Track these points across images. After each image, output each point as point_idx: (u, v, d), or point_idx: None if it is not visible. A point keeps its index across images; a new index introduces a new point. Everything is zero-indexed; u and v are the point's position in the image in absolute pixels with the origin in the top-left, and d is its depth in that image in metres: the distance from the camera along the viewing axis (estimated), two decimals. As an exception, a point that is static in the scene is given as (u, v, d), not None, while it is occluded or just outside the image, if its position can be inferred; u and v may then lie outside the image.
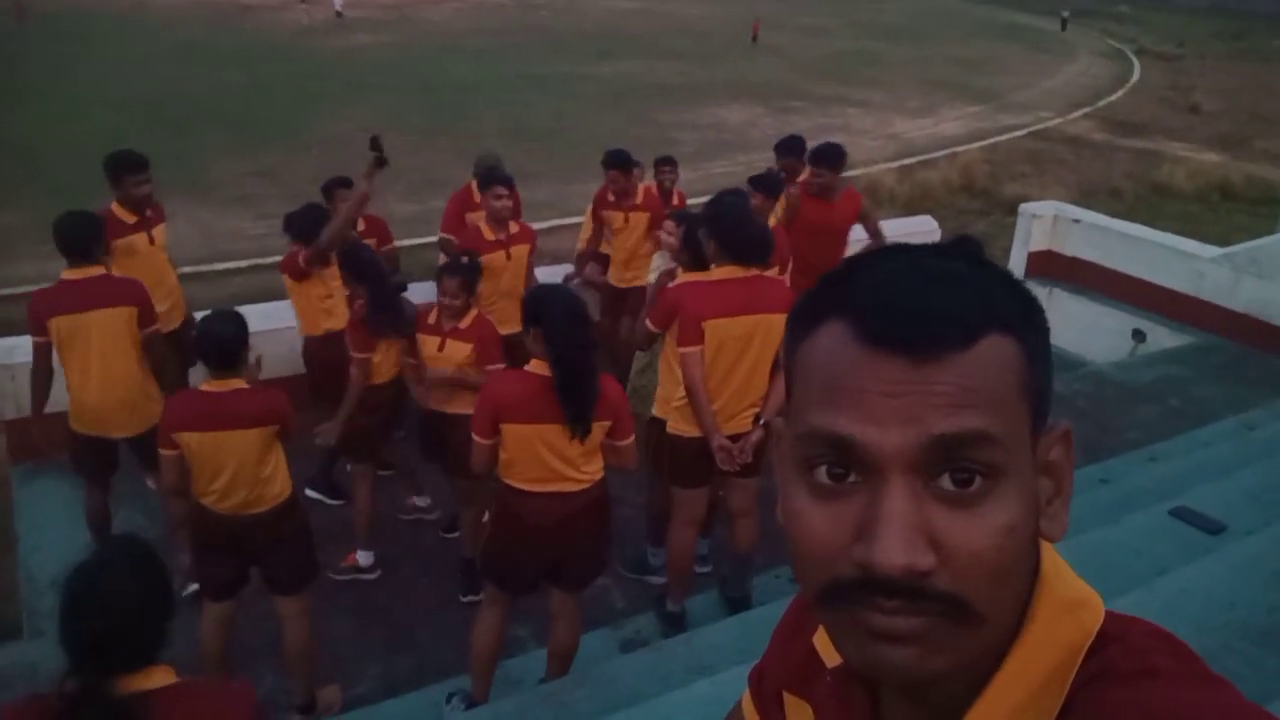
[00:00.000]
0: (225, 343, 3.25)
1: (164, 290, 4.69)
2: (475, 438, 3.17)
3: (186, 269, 10.09)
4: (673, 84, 21.98)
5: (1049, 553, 0.68)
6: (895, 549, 0.57)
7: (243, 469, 3.26)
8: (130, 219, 4.56)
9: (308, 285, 4.59)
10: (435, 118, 17.42)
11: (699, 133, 16.72)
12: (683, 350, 3.54)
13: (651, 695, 2.96)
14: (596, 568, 3.48)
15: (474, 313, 4.13)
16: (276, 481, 3.38)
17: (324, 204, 4.89)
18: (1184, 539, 3.40)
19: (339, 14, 31.57)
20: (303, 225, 4.57)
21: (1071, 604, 0.66)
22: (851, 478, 0.60)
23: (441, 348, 4.05)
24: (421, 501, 4.85)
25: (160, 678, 1.73)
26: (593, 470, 3.28)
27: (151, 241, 4.64)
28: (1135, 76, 27.01)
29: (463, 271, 4.10)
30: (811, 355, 0.64)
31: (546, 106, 18.69)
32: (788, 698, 0.86)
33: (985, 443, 0.58)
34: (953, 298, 0.61)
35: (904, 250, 0.66)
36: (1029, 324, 0.63)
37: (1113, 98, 23.34)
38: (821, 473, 0.61)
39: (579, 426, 3.11)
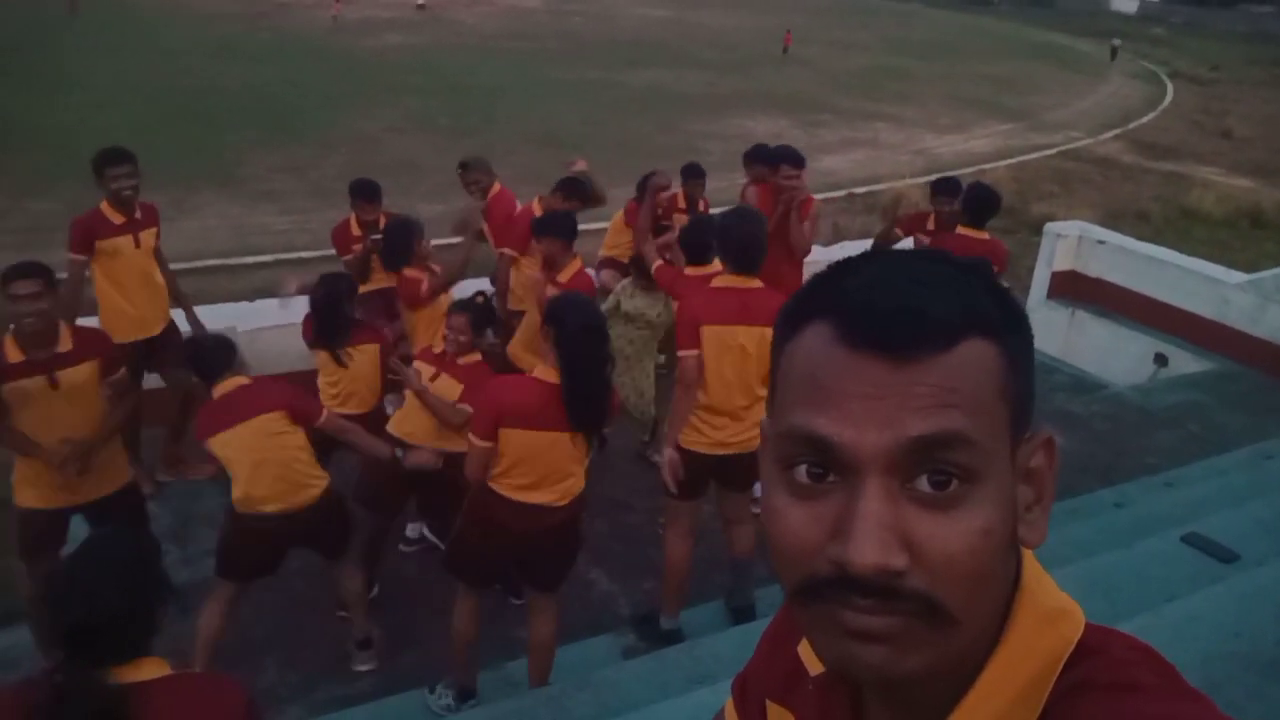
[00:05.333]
0: (204, 358, 3.45)
1: (146, 294, 4.64)
2: (473, 439, 3.16)
3: (214, 261, 10.22)
4: (701, 93, 22.02)
5: (1031, 563, 0.68)
6: (868, 548, 0.57)
7: (267, 458, 3.34)
8: (118, 219, 4.46)
9: (425, 312, 4.64)
10: (463, 120, 17.55)
11: (726, 143, 16.69)
12: (680, 354, 3.58)
13: (651, 702, 2.96)
14: (565, 571, 3.51)
15: (476, 356, 3.89)
16: (315, 477, 3.49)
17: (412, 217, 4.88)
18: (1195, 566, 3.35)
19: (420, 6, 32.14)
20: (399, 249, 4.61)
21: (1052, 614, 0.66)
22: (830, 477, 0.61)
23: (434, 379, 3.84)
24: (414, 532, 4.62)
25: (150, 669, 1.69)
26: (577, 485, 3.31)
27: (137, 245, 4.53)
28: (1168, 99, 26.80)
29: (472, 310, 3.85)
30: (795, 355, 0.64)
31: (574, 112, 18.76)
32: (771, 706, 0.86)
33: (962, 445, 0.59)
34: (934, 300, 0.61)
35: (890, 254, 0.67)
36: (1011, 329, 0.63)
37: (1144, 120, 23.18)
38: (801, 472, 0.62)
39: (591, 437, 3.18)
